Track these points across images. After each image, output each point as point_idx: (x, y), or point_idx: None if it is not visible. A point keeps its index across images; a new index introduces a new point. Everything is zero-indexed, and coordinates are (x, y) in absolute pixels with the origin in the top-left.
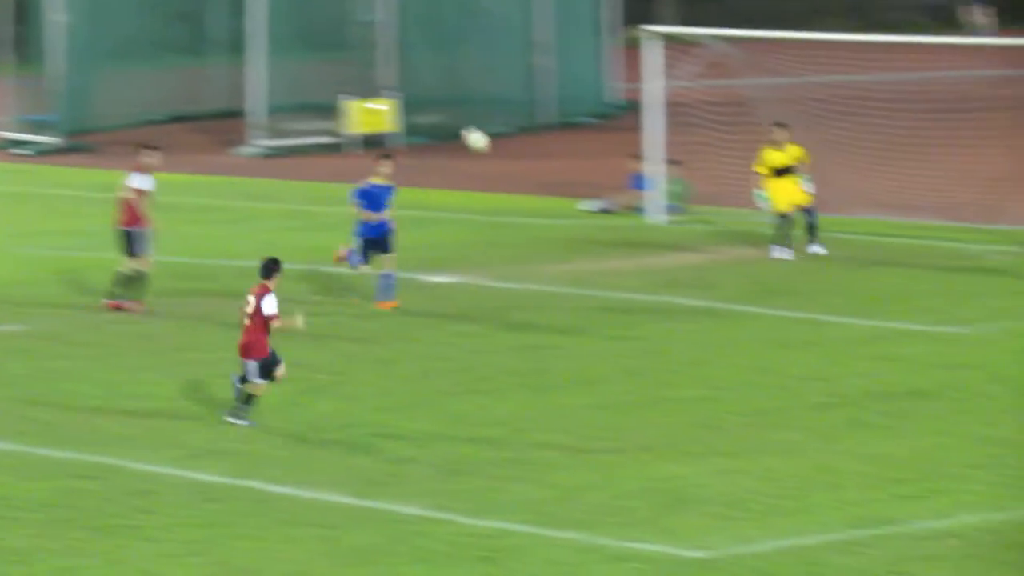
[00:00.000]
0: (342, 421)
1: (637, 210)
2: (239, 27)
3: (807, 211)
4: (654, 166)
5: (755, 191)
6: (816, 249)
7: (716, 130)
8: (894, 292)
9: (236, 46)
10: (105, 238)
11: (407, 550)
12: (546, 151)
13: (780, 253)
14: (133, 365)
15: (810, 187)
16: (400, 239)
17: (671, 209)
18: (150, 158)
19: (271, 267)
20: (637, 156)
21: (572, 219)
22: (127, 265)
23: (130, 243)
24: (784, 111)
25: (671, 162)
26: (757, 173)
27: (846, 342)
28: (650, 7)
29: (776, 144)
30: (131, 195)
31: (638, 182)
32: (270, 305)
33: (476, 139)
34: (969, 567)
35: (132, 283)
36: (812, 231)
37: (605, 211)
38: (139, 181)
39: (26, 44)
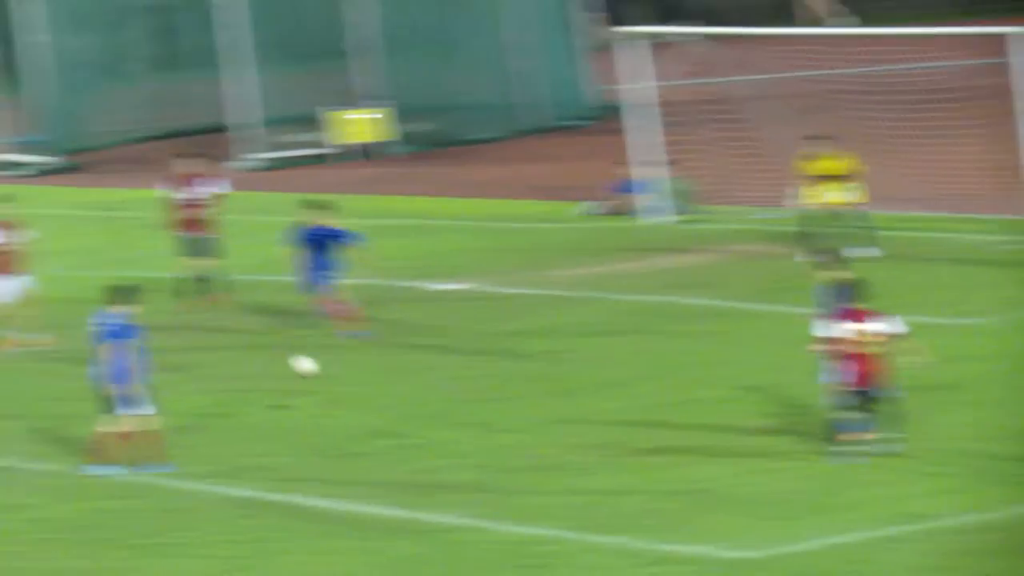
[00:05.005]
0: (372, 432)
1: (628, 213)
2: (223, 41)
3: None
4: (652, 167)
5: (791, 189)
6: (871, 251)
7: (703, 128)
8: (905, 285)
9: (219, 61)
10: (108, 255)
11: (447, 559)
12: (533, 155)
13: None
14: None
15: (852, 195)
16: (401, 247)
17: (672, 209)
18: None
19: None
20: (622, 161)
21: (572, 223)
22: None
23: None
24: (767, 107)
25: (664, 162)
26: (801, 177)
27: None
28: (626, 7)
29: (814, 155)
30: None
31: (623, 186)
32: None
33: (304, 367)
34: (1016, 560)
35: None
36: (864, 233)
37: (596, 213)
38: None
39: (12, 65)
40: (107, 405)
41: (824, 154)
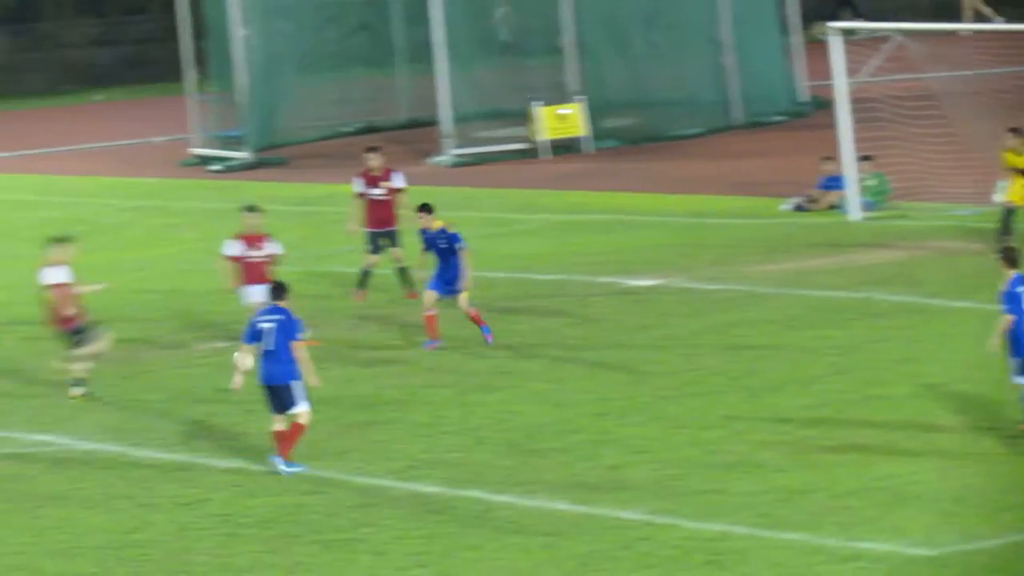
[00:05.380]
0: (559, 428)
1: (836, 208)
2: (421, 36)
3: None
4: (853, 163)
5: (999, 182)
6: None
7: (904, 124)
8: None
9: (418, 55)
10: (306, 251)
11: (631, 556)
12: (736, 151)
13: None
14: (340, 376)
15: None
16: (597, 243)
17: (868, 205)
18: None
19: None
20: (829, 157)
21: (771, 219)
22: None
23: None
24: (968, 103)
25: (863, 158)
26: (1003, 172)
27: None
28: (829, 3)
29: (1015, 149)
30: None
31: (831, 182)
32: None
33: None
34: None
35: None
36: None
37: (800, 209)
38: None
39: (207, 60)
40: (275, 403)
41: (1017, 150)
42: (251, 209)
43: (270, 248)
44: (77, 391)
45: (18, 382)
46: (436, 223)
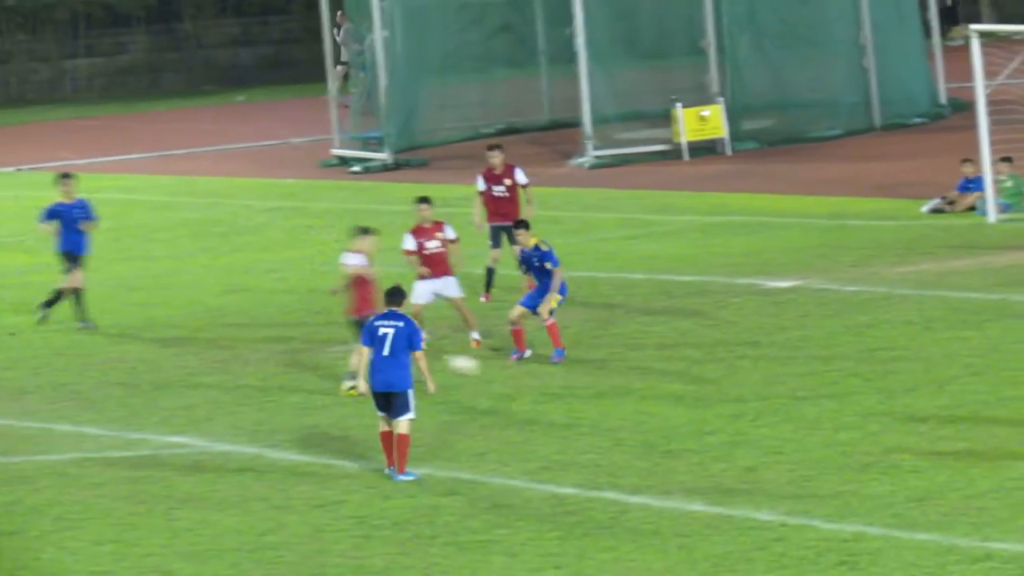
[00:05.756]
0: (695, 429)
1: (974, 210)
2: (561, 38)
3: None
4: (992, 165)
5: None
6: None
7: None
8: None
9: (560, 57)
10: None
11: (765, 557)
12: (876, 152)
13: None
14: (479, 377)
15: None
16: (736, 244)
17: (1005, 207)
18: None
19: None
20: (969, 159)
21: (910, 220)
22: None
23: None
24: None
25: (1003, 159)
26: None
27: None
28: (966, 5)
29: None
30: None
31: (970, 184)
32: None
33: (463, 366)
34: None
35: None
36: None
37: (938, 211)
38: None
39: (352, 62)
40: (387, 408)
41: None
42: (423, 200)
43: (446, 234)
44: (349, 383)
45: (154, 383)
46: (531, 240)
